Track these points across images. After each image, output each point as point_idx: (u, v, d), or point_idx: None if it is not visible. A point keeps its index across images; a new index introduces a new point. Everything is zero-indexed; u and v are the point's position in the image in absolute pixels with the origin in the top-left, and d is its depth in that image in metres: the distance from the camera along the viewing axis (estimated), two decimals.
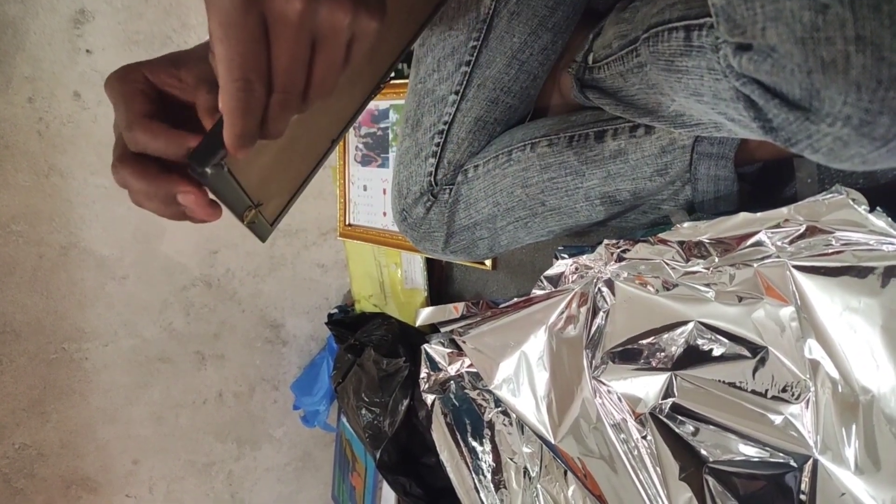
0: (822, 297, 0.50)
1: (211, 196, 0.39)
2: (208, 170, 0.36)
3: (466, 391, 0.86)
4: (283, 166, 0.47)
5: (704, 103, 0.45)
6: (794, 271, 0.51)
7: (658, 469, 0.59)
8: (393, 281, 1.14)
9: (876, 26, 0.29)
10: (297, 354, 1.35)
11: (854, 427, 0.48)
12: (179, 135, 0.38)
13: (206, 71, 0.41)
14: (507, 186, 0.70)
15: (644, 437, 0.60)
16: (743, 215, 0.52)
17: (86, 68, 1.06)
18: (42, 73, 1.04)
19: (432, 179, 0.75)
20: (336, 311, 1.30)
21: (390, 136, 1.08)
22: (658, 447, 0.59)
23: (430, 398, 0.90)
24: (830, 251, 0.50)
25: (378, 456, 0.93)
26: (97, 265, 1.13)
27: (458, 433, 0.87)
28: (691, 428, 0.57)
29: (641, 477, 0.61)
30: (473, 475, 0.84)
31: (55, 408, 1.14)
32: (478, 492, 0.84)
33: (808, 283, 0.51)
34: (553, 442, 0.70)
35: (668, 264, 0.59)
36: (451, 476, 0.86)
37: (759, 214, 0.51)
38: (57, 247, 1.10)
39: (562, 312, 0.69)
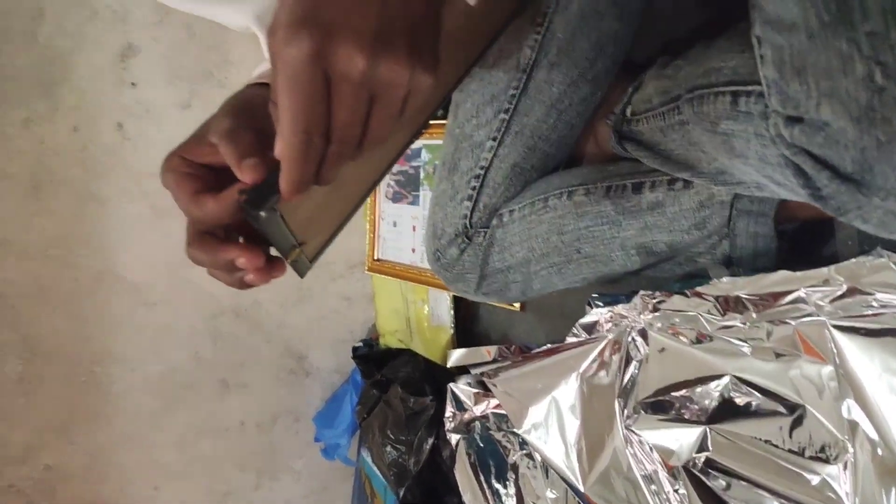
0: (862, 357, 0.50)
1: (262, 259, 0.42)
2: (262, 213, 0.38)
3: (491, 432, 0.86)
4: (326, 207, 0.49)
5: (749, 165, 0.46)
6: (834, 331, 0.51)
7: None
8: (419, 317, 1.15)
9: None
10: (319, 386, 1.36)
11: (894, 491, 0.48)
12: (224, 198, 0.40)
13: (225, 128, 0.42)
14: (542, 232, 0.71)
15: (676, 491, 0.60)
16: (782, 273, 0.52)
17: (129, 100, 1.10)
18: (87, 104, 1.08)
19: (467, 222, 0.76)
20: (361, 344, 1.30)
21: (422, 174, 1.10)
22: (691, 501, 0.58)
23: (454, 438, 0.90)
24: (870, 312, 0.50)
25: (402, 494, 0.93)
26: (130, 291, 1.16)
27: (481, 474, 0.87)
28: (723, 483, 0.57)
29: None
30: None
31: (81, 430, 1.15)
32: None
33: (847, 343, 0.51)
34: (582, 489, 0.69)
35: (703, 317, 0.60)
36: None
37: (798, 273, 0.51)
38: (92, 272, 1.12)
39: (595, 360, 0.69)
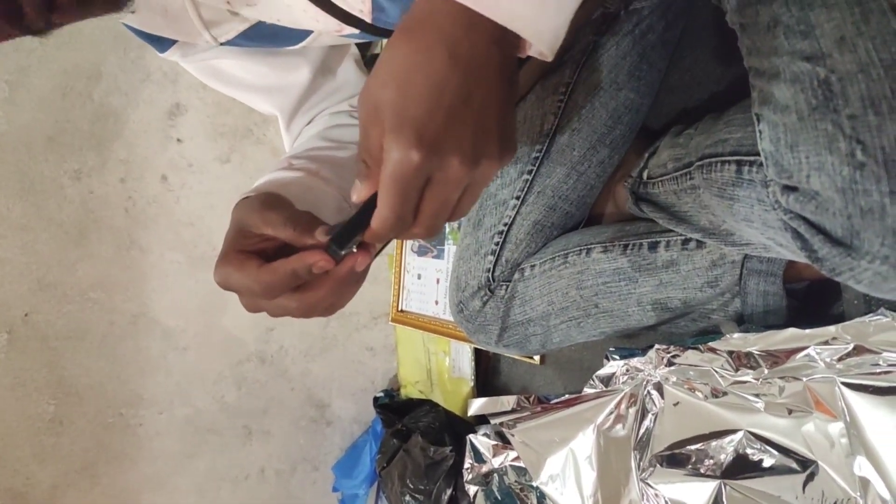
0: (872, 414, 0.52)
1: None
2: (343, 251, 0.42)
3: (509, 485, 0.87)
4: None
5: (754, 228, 0.49)
6: (843, 388, 0.53)
7: None
8: (440, 369, 1.17)
9: None
10: (339, 436, 1.37)
11: None
12: (289, 261, 0.44)
13: (277, 218, 0.45)
14: (562, 287, 0.74)
15: None
16: (791, 330, 0.54)
17: (175, 155, 1.17)
18: (135, 157, 1.15)
19: (490, 276, 0.79)
20: (382, 394, 1.32)
21: (447, 229, 1.14)
22: None
23: (472, 489, 0.91)
24: (878, 371, 0.52)
25: None
26: (162, 335, 1.20)
27: None
28: None
29: None
30: None
31: (106, 471, 1.18)
32: None
33: (857, 401, 0.52)
34: None
35: (717, 372, 0.62)
36: None
37: (807, 331, 0.53)
38: (128, 315, 1.17)
39: (611, 412, 0.71)
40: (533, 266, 0.77)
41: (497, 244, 0.79)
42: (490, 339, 0.82)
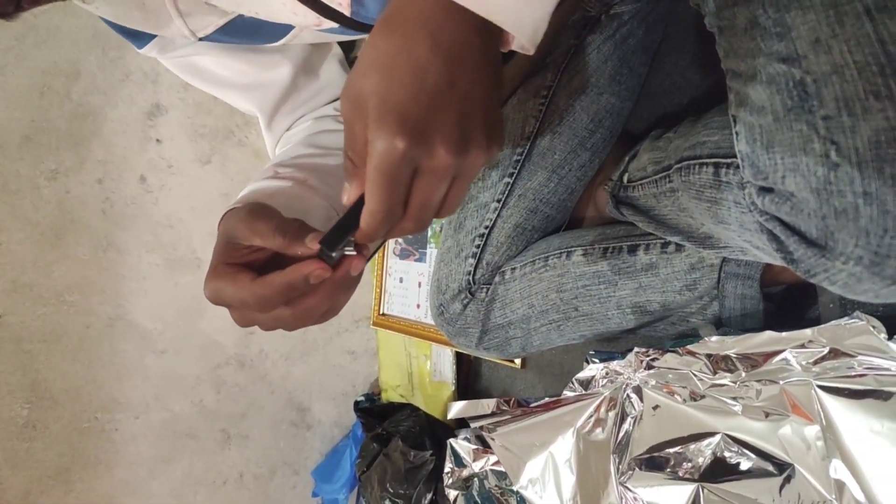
0: (847, 417, 0.52)
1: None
2: (334, 254, 0.42)
3: (490, 489, 0.87)
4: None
5: (731, 231, 0.49)
6: (819, 391, 0.53)
7: None
8: (421, 372, 1.17)
9: (880, 185, 0.34)
10: (320, 440, 1.36)
11: None
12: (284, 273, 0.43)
13: (265, 227, 0.44)
14: (542, 290, 0.74)
15: None
16: (768, 334, 0.55)
17: (154, 156, 1.15)
18: (114, 157, 1.13)
19: (471, 278, 0.79)
20: (363, 398, 1.31)
21: (429, 233, 1.14)
22: None
23: (452, 494, 0.90)
24: (853, 374, 0.52)
25: None
26: (140, 338, 1.18)
27: None
28: None
29: None
30: None
31: (80, 477, 1.15)
32: None
33: (832, 404, 0.53)
34: None
35: (695, 375, 0.62)
36: None
37: (784, 334, 0.54)
38: (104, 318, 1.15)
39: (591, 416, 0.71)
40: (514, 269, 0.77)
41: (478, 247, 0.79)
42: (471, 342, 0.82)
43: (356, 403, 1.30)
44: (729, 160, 0.47)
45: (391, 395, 1.25)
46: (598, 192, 0.77)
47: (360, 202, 0.38)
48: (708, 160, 0.49)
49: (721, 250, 0.56)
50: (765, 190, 0.40)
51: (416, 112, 0.34)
